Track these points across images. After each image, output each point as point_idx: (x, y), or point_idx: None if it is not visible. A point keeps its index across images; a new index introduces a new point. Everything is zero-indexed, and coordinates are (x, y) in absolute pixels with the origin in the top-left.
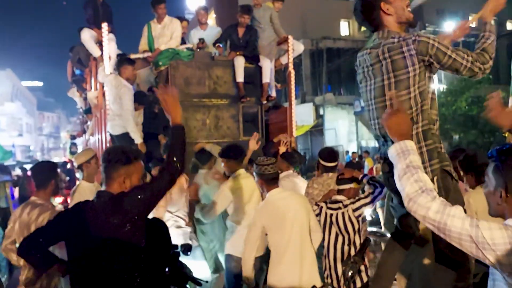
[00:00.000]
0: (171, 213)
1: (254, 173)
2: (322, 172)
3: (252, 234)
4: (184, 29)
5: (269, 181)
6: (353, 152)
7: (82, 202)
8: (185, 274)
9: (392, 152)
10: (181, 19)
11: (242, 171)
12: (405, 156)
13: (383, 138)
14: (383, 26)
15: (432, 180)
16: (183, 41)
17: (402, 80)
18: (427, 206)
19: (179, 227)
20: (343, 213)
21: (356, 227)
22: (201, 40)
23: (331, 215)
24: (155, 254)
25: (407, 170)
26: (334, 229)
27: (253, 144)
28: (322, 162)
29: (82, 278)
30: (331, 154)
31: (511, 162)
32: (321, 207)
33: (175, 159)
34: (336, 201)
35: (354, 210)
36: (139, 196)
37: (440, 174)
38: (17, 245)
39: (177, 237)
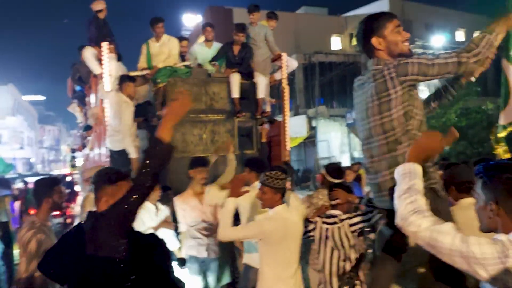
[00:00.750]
0: (189, 226)
1: (260, 184)
2: (326, 186)
3: (249, 230)
4: (185, 48)
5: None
6: (354, 164)
7: (78, 224)
8: None
9: (400, 170)
10: (182, 38)
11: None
12: (411, 178)
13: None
14: (375, 56)
15: None
16: (183, 59)
17: (384, 102)
18: (418, 223)
19: (194, 238)
20: (339, 228)
21: (352, 242)
22: (200, 66)
23: (327, 229)
24: (145, 267)
25: (408, 191)
26: (329, 244)
27: None
28: (328, 178)
29: None
30: (338, 171)
31: (499, 177)
32: (316, 222)
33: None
34: (332, 216)
35: (350, 225)
36: (116, 212)
37: (429, 195)
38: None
39: (190, 248)
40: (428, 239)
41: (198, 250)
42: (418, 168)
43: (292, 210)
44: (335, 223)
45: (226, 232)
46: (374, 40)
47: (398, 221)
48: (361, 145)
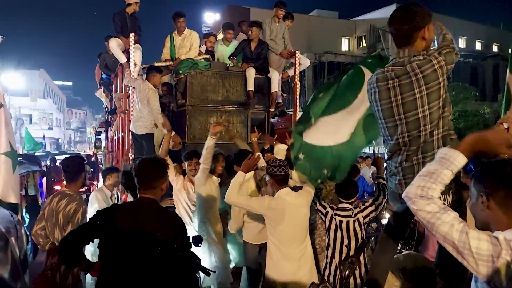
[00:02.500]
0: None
1: (266, 173)
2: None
3: (251, 201)
4: (212, 43)
5: (279, 181)
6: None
7: (118, 204)
8: (196, 263)
9: (441, 152)
10: (210, 34)
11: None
12: (443, 166)
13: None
14: (409, 45)
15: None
16: (210, 53)
17: (434, 91)
18: (421, 206)
19: None
20: (354, 221)
21: (363, 233)
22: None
23: (341, 221)
24: (182, 248)
25: (431, 175)
26: (339, 233)
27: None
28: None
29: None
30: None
31: (487, 169)
32: (327, 212)
33: None
34: (345, 209)
35: (364, 217)
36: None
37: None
38: (40, 230)
39: None
40: (427, 221)
41: None
42: (460, 159)
43: (293, 194)
44: (349, 216)
45: (232, 196)
46: (425, 30)
47: (404, 195)
48: (397, 139)
